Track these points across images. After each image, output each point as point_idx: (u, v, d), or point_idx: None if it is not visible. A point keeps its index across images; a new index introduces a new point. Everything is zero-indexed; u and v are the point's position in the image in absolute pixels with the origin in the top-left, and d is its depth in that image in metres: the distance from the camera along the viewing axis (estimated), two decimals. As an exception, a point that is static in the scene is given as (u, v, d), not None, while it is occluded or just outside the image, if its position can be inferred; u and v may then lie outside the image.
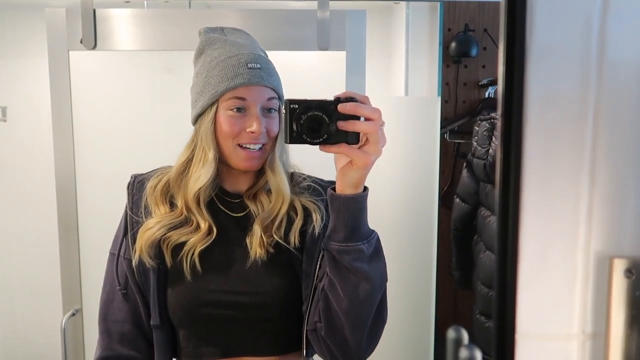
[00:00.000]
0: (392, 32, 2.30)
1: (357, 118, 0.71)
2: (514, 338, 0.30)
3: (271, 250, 0.89)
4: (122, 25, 1.33)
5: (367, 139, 0.72)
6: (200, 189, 0.90)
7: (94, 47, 1.32)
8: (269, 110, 0.90)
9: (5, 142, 2.46)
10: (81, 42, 1.31)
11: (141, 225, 0.90)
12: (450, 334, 0.29)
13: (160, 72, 1.45)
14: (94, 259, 1.40)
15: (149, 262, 0.88)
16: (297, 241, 0.89)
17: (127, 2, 1.49)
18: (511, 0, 0.32)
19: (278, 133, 0.92)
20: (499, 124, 0.31)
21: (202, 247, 0.89)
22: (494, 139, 1.68)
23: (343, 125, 0.70)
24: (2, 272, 2.54)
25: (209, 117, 0.89)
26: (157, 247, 0.90)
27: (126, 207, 0.95)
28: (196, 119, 0.92)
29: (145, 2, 1.51)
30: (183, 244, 0.89)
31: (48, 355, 2.50)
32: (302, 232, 0.91)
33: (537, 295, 0.30)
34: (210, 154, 0.89)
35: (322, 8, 1.34)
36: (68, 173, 1.41)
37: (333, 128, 0.70)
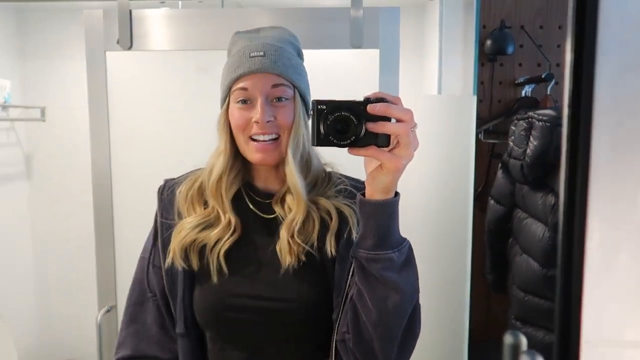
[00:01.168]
0: (424, 30, 2.26)
1: (388, 119, 0.67)
2: (579, 345, 0.28)
3: (303, 258, 0.86)
4: (157, 26, 1.35)
5: (398, 142, 0.67)
6: (217, 179, 0.89)
7: (130, 47, 1.34)
8: (278, 99, 0.86)
9: (44, 142, 2.54)
10: (118, 42, 1.33)
11: (173, 229, 0.90)
12: (508, 339, 0.28)
13: (195, 72, 1.45)
14: (128, 257, 1.42)
15: (180, 264, 0.88)
16: (333, 249, 0.86)
17: (163, 2, 1.51)
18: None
19: (292, 126, 0.87)
20: (564, 125, 0.29)
21: (228, 245, 0.88)
22: (531, 138, 1.63)
23: (372, 126, 0.67)
24: (39, 269, 2.62)
25: (222, 111, 0.90)
26: (186, 250, 0.89)
27: (156, 213, 0.95)
28: None
29: (180, 2, 1.53)
30: (205, 241, 0.89)
31: (82, 349, 2.56)
32: (337, 237, 0.88)
33: (603, 302, 0.28)
34: (222, 145, 0.90)
35: (356, 6, 1.32)
36: (104, 173, 1.43)
37: (362, 130, 0.67)
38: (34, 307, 2.63)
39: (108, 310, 1.41)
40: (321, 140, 0.68)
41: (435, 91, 1.98)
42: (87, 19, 1.34)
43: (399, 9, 1.35)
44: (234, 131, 0.88)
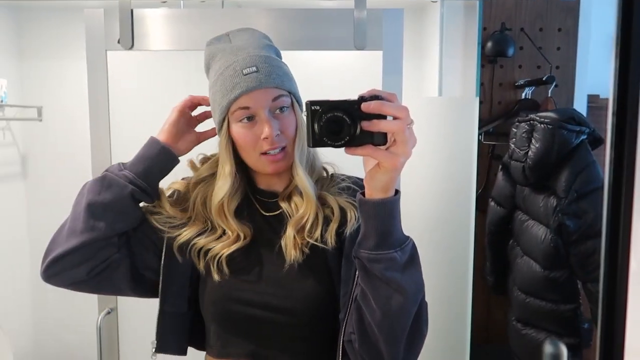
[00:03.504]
0: (424, 32, 2.26)
1: (383, 117, 0.66)
2: (622, 355, 0.27)
3: (306, 250, 0.87)
4: (158, 25, 1.33)
5: (394, 140, 0.67)
6: (221, 200, 0.90)
7: (131, 47, 1.32)
8: (281, 109, 0.88)
9: (41, 141, 2.51)
10: (119, 42, 1.32)
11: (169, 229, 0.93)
12: (548, 348, 0.27)
13: (196, 72, 1.44)
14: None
15: (179, 258, 0.92)
16: (333, 241, 0.87)
17: (164, 2, 1.49)
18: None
19: (296, 132, 0.89)
20: (608, 127, 0.28)
21: (228, 252, 0.89)
22: (533, 140, 1.63)
23: (368, 125, 0.66)
24: (36, 272, 2.58)
25: (222, 133, 0.90)
26: (188, 251, 0.92)
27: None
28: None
29: (182, 2, 1.51)
30: (209, 249, 0.91)
31: (81, 353, 2.54)
32: (340, 234, 0.88)
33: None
34: (227, 169, 0.90)
35: (360, 7, 1.32)
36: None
37: (356, 129, 0.66)
38: (31, 310, 2.60)
39: (108, 313, 1.39)
40: (316, 141, 0.67)
41: (435, 93, 1.98)
42: (88, 17, 1.33)
43: (403, 10, 1.34)
44: (243, 149, 0.89)
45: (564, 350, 0.28)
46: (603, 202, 0.28)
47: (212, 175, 0.95)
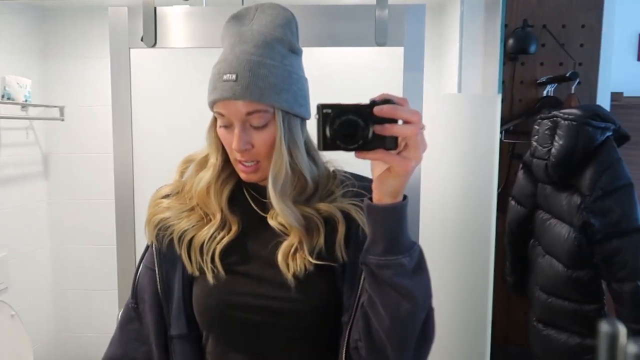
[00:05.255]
0: (444, 28, 2.25)
1: (395, 121, 0.65)
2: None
3: (310, 268, 0.83)
4: (181, 23, 1.34)
5: (406, 144, 0.65)
6: (206, 189, 0.88)
7: (154, 44, 1.33)
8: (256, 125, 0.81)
9: (64, 141, 2.55)
10: (142, 40, 1.33)
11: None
12: (605, 327, 0.26)
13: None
14: (150, 254, 1.41)
15: (178, 250, 0.88)
16: (344, 255, 0.83)
17: (187, 0, 1.51)
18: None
19: (274, 149, 0.82)
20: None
21: (225, 243, 0.86)
22: (556, 137, 1.60)
23: (380, 129, 0.64)
24: (61, 269, 2.63)
25: (211, 123, 0.88)
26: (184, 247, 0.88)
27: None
28: None
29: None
30: (203, 243, 0.87)
31: (102, 349, 2.57)
32: (346, 240, 0.84)
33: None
34: (212, 158, 0.88)
35: (381, 4, 1.31)
36: (127, 171, 1.42)
37: (369, 133, 0.65)
38: (52, 307, 2.64)
39: (130, 308, 1.40)
40: (328, 145, 0.65)
41: (455, 90, 1.96)
42: (112, 15, 1.34)
43: (425, 6, 1.33)
44: (225, 147, 0.87)
45: (622, 330, 0.27)
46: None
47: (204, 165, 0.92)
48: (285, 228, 0.85)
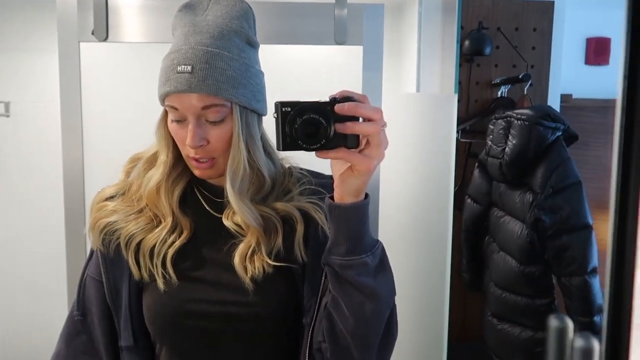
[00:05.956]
0: (403, 29, 2.27)
1: (356, 119, 0.64)
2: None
3: (268, 269, 0.80)
4: (134, 17, 1.30)
5: (367, 142, 0.65)
6: (156, 189, 0.83)
7: (106, 38, 1.28)
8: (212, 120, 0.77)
9: (9, 138, 2.43)
10: (92, 33, 1.28)
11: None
12: (554, 322, 0.26)
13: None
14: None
15: (125, 255, 0.83)
16: (303, 255, 0.81)
17: (140, -8, 1.45)
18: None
19: (230, 146, 0.78)
20: (617, 124, 0.27)
21: (176, 247, 0.82)
22: (510, 137, 1.65)
23: (341, 127, 0.63)
24: (5, 271, 2.50)
25: (161, 117, 0.83)
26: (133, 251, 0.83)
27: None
28: None
29: (158, -7, 1.47)
30: (154, 246, 0.82)
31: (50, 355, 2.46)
32: (305, 240, 0.83)
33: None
34: (162, 156, 0.83)
35: (340, 2, 1.31)
36: (76, 168, 1.37)
37: (331, 132, 0.63)
38: (-4, 311, 2.51)
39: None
40: (288, 144, 0.63)
41: (413, 89, 1.99)
42: (60, 8, 1.28)
43: (384, 6, 1.34)
44: (177, 143, 0.82)
45: (570, 324, 0.27)
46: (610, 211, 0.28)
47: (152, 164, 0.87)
48: (241, 229, 0.82)
